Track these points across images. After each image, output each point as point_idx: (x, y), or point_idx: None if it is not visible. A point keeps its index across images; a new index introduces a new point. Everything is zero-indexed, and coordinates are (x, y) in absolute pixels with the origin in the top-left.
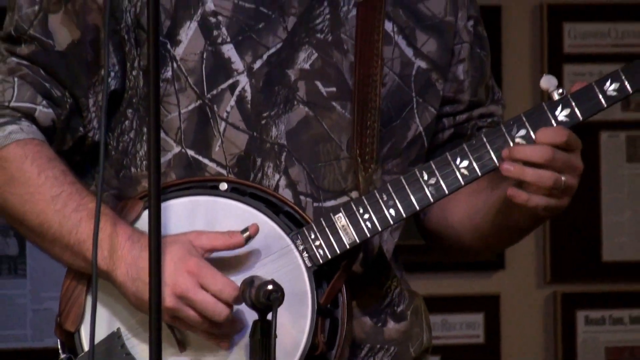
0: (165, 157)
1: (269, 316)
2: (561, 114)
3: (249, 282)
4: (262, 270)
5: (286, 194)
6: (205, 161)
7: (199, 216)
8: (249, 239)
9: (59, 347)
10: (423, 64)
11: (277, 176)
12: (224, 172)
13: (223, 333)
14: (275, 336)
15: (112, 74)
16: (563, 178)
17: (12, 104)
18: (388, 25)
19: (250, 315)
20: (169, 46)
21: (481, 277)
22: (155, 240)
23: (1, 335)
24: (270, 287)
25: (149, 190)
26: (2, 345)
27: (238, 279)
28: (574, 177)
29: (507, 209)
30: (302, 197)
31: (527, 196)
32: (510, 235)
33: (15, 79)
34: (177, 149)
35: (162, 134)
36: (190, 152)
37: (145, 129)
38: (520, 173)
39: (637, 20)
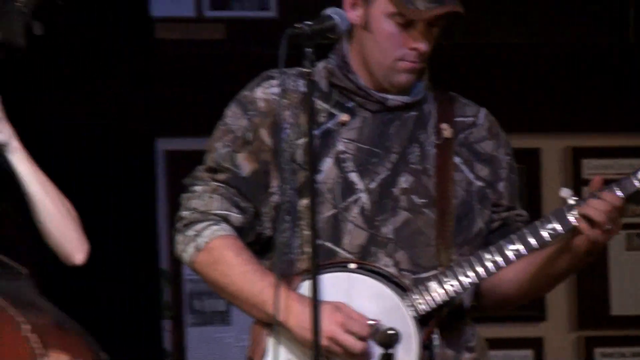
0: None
1: (390, 350)
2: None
3: (376, 328)
4: (384, 319)
5: (392, 270)
6: (337, 249)
7: (341, 286)
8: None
9: None
10: (480, 183)
11: (386, 259)
12: (350, 257)
13: None
14: None
15: (279, 192)
16: (610, 227)
17: (215, 211)
18: (456, 159)
19: (376, 350)
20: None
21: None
22: (315, 302)
23: None
24: (391, 331)
25: (312, 269)
26: None
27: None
28: (616, 229)
29: (554, 259)
30: (404, 272)
31: (590, 229)
32: (550, 284)
33: (216, 196)
34: (319, 241)
35: (308, 231)
36: (328, 244)
37: (294, 227)
38: (592, 213)
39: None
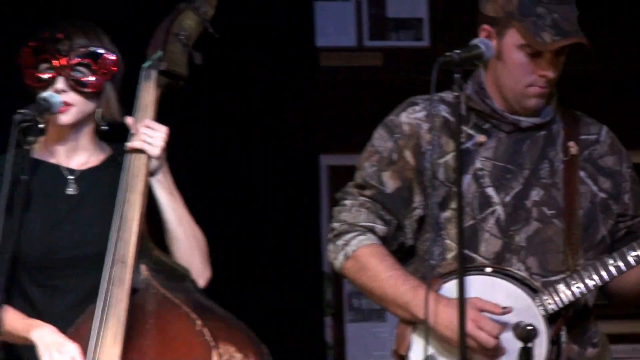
0: (451, 254)
1: (529, 344)
2: None
3: (517, 324)
4: (518, 318)
5: (524, 274)
6: (475, 256)
7: (479, 287)
8: (504, 311)
9: None
10: (603, 195)
11: (519, 264)
12: (486, 262)
13: (495, 354)
14: (533, 356)
15: (421, 206)
16: None
17: (362, 223)
18: (581, 173)
19: (514, 344)
20: (453, 189)
21: None
22: (461, 302)
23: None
24: (529, 327)
25: (459, 275)
26: None
27: (502, 321)
28: None
29: None
30: (534, 276)
31: None
32: None
33: (363, 209)
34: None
35: (449, 240)
36: (466, 251)
37: (435, 237)
38: None
39: None
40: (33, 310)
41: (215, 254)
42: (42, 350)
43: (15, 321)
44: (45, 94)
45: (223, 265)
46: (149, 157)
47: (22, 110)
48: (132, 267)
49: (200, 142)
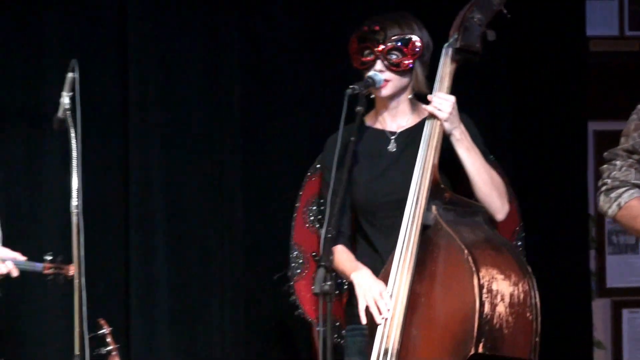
0: None
1: None
2: None
3: None
4: None
5: None
6: None
7: None
8: None
9: None
10: None
11: None
12: None
13: None
14: None
15: None
16: None
17: (632, 181)
18: None
19: None
20: None
21: None
22: None
23: None
24: None
25: None
26: None
27: None
28: None
29: None
30: None
31: None
32: None
33: (632, 169)
34: None
35: None
36: None
37: None
38: None
39: None
40: (371, 247)
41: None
42: (358, 290)
43: (345, 262)
44: (371, 73)
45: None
46: (441, 121)
47: (352, 86)
48: (423, 207)
49: (499, 109)
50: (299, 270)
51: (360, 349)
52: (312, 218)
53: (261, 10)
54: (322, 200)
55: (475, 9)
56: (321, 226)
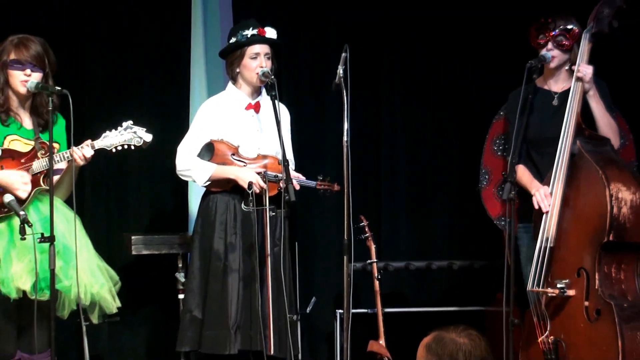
0: None
1: None
2: None
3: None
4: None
5: None
6: None
7: None
8: None
9: None
10: None
11: None
12: None
13: None
14: None
15: None
16: None
17: None
18: None
19: None
20: None
21: None
22: None
23: None
24: None
25: None
26: None
27: None
28: None
29: None
30: None
31: None
32: None
33: None
34: None
35: None
36: None
37: None
38: None
39: None
40: (535, 168)
41: None
42: (535, 194)
43: (526, 177)
44: (543, 52)
45: None
46: (583, 83)
47: (530, 61)
48: (570, 141)
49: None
50: (485, 183)
51: (530, 238)
52: (499, 148)
53: None
54: (503, 135)
55: (604, 5)
56: (507, 154)
